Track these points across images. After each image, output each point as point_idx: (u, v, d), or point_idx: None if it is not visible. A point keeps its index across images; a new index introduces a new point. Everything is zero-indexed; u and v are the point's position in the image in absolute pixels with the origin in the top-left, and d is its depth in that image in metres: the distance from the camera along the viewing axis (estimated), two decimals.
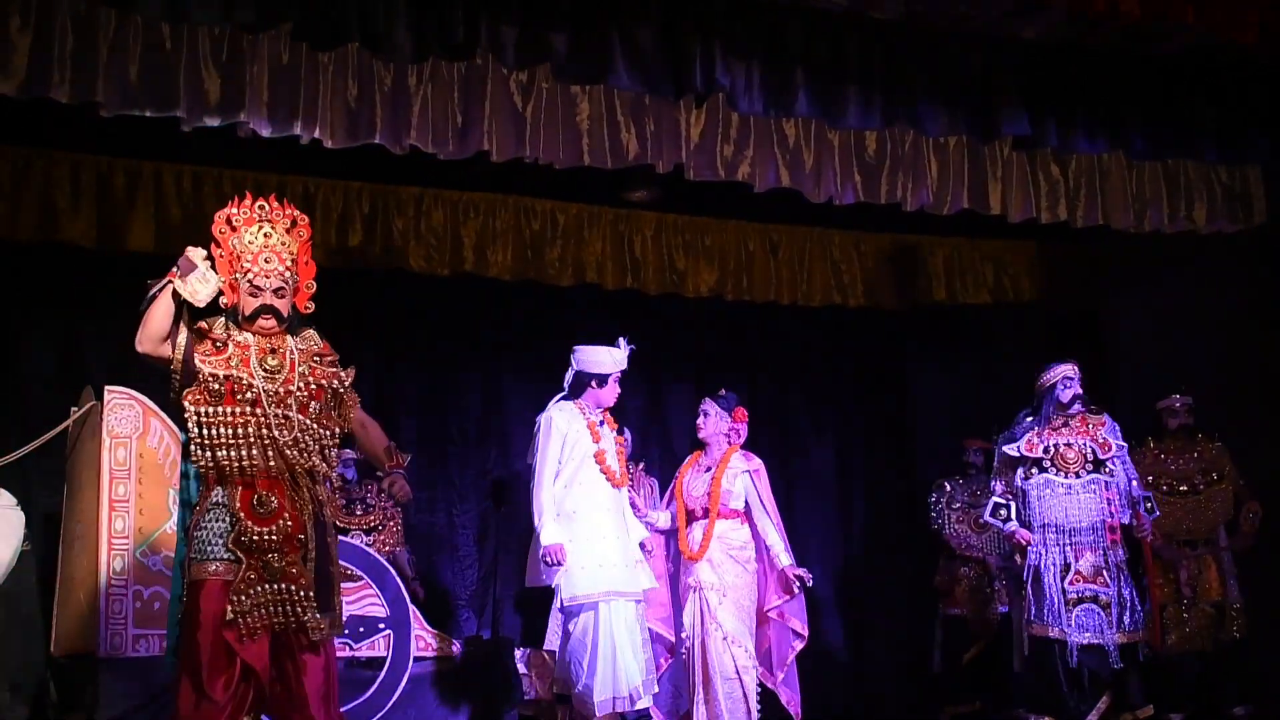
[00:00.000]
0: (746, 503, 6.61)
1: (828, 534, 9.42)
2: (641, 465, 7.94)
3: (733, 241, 8.35)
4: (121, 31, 5.16)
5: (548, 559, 6.00)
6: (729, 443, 6.69)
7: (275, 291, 4.41)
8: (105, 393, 6.19)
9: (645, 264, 8.09)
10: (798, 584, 6.52)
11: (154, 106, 5.25)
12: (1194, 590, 7.36)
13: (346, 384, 4.53)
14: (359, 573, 6.65)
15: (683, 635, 6.55)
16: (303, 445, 4.34)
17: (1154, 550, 7.30)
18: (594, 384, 6.31)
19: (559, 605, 6.24)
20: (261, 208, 4.46)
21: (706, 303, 8.61)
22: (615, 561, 6.10)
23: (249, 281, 4.39)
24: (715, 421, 6.69)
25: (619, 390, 6.40)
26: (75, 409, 6.49)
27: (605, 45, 5.67)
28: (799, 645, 6.66)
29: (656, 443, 8.64)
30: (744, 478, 6.59)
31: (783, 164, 6.30)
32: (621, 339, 6.42)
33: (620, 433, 6.45)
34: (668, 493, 6.96)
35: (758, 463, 6.68)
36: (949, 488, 8.51)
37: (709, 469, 6.65)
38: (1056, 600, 6.43)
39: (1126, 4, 5.82)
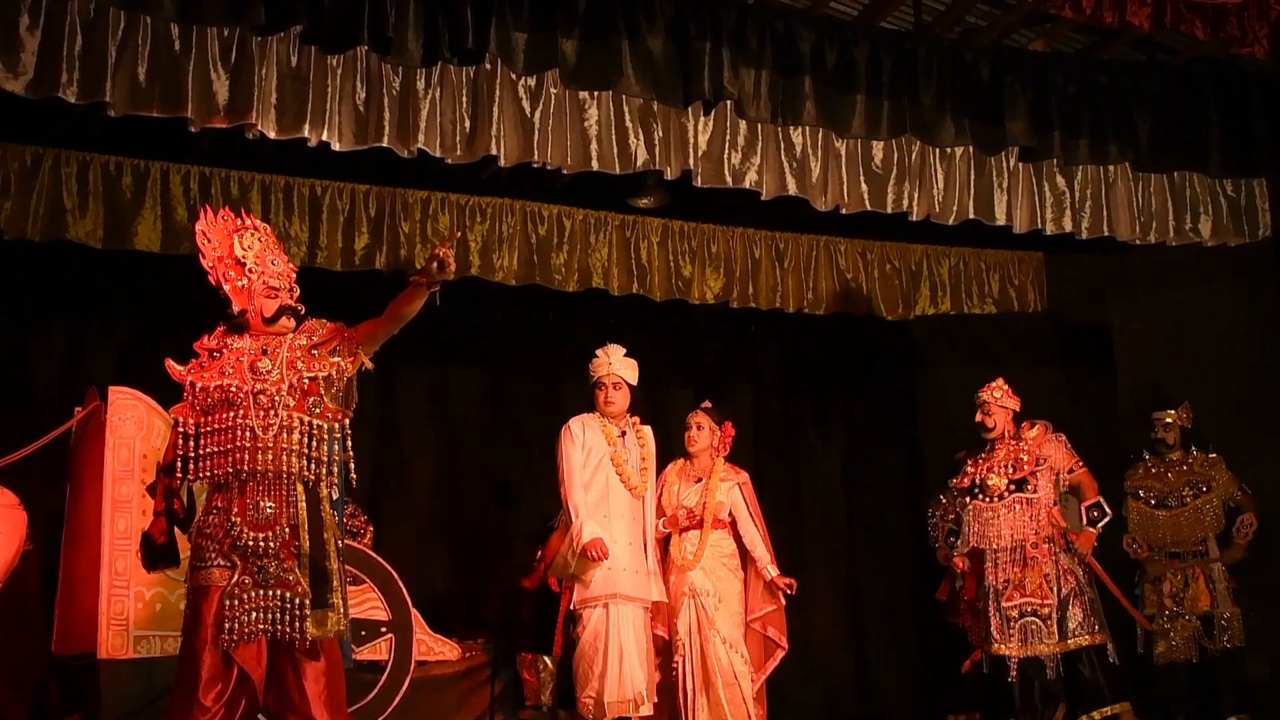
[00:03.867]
0: (731, 513, 6.68)
1: (832, 543, 9.42)
2: None
3: (739, 249, 8.34)
4: (130, 32, 5.16)
5: (592, 554, 6.05)
6: (716, 454, 6.78)
7: (288, 290, 4.44)
8: (109, 393, 6.20)
9: (651, 270, 8.08)
10: (784, 593, 6.60)
11: (162, 107, 5.25)
12: (1177, 603, 7.35)
13: (348, 371, 4.40)
14: (362, 576, 6.65)
15: (676, 640, 6.54)
16: (287, 444, 4.27)
17: (1141, 562, 7.37)
18: (595, 391, 6.38)
19: (570, 608, 6.25)
20: (233, 218, 4.48)
21: (712, 310, 8.61)
22: (625, 566, 6.14)
23: (265, 283, 4.39)
24: (709, 435, 6.78)
25: (624, 398, 6.39)
26: (79, 409, 6.51)
27: (614, 51, 5.69)
28: (780, 655, 6.72)
29: (660, 451, 8.61)
30: (734, 490, 6.69)
31: (790, 172, 6.31)
32: (611, 344, 6.44)
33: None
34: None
35: (744, 475, 6.83)
36: (944, 500, 8.53)
37: (699, 480, 6.72)
38: (998, 618, 6.58)
39: (1135, 17, 5.83)
